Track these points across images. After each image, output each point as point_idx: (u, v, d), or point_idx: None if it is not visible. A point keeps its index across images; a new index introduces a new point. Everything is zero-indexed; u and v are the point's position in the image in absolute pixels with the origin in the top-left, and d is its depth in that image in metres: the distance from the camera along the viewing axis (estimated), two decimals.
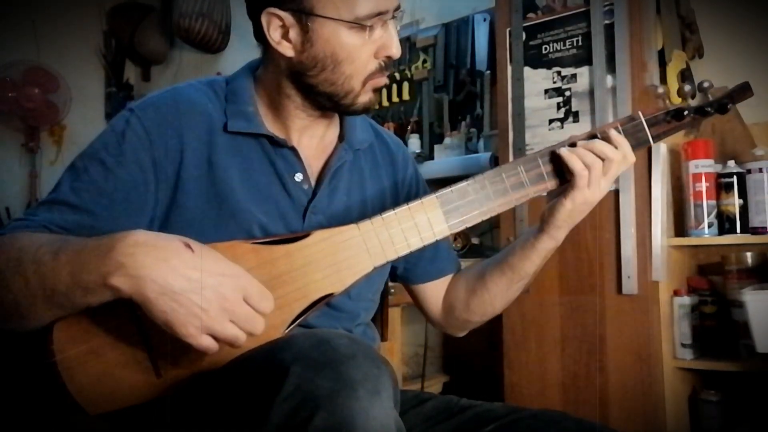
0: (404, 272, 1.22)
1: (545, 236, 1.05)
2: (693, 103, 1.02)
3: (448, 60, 2.80)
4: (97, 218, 0.94)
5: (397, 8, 1.00)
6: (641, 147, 1.03)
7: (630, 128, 1.02)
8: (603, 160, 0.99)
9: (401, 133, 2.77)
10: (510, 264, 1.10)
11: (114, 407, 0.88)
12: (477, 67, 2.70)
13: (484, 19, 2.69)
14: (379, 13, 0.97)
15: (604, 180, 1.00)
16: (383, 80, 1.03)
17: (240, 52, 3.57)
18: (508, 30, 2.15)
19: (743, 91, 1.01)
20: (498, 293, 1.14)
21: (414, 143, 2.76)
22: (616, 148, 0.99)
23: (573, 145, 1.01)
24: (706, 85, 1.02)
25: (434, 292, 1.22)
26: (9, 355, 0.94)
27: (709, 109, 1.01)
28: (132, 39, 3.92)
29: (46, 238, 0.87)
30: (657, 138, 1.03)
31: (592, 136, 1.01)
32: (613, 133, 1.00)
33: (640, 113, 1.03)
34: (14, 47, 3.67)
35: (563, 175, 1.01)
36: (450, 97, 2.76)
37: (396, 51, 1.01)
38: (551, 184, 1.02)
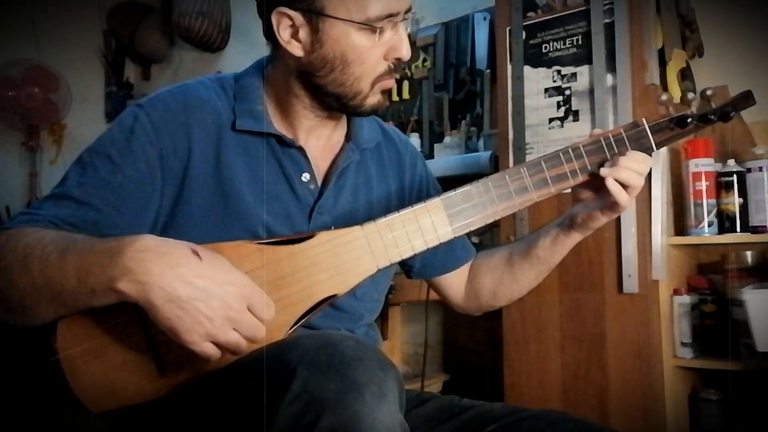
0: (422, 268, 1.23)
1: (577, 234, 1.10)
2: (695, 110, 1.02)
3: (448, 59, 2.79)
4: (103, 214, 0.94)
5: (408, 10, 1.00)
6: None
7: (633, 134, 1.02)
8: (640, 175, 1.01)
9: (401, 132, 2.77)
10: (539, 257, 1.14)
11: (116, 406, 0.88)
12: (477, 65, 2.69)
13: (484, 18, 2.68)
14: (390, 15, 0.97)
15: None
16: (392, 82, 1.03)
17: (240, 51, 3.57)
18: (508, 29, 2.15)
19: (745, 99, 1.01)
20: (527, 283, 1.19)
21: (414, 142, 2.75)
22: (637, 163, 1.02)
23: (576, 149, 1.01)
24: (709, 92, 1.02)
25: (455, 280, 1.25)
26: (13, 351, 0.95)
27: (712, 116, 1.02)
28: (132, 38, 3.91)
29: (53, 236, 0.87)
30: (660, 145, 1.03)
31: (596, 141, 1.02)
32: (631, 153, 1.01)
33: (643, 120, 1.02)
34: (14, 47, 3.66)
35: (568, 180, 1.02)
36: (450, 96, 2.76)
37: (406, 53, 1.00)
38: (555, 189, 1.02)
